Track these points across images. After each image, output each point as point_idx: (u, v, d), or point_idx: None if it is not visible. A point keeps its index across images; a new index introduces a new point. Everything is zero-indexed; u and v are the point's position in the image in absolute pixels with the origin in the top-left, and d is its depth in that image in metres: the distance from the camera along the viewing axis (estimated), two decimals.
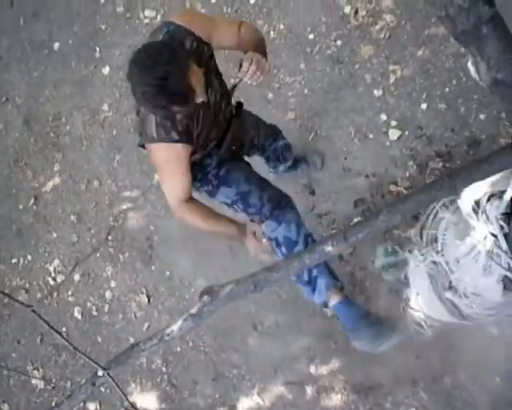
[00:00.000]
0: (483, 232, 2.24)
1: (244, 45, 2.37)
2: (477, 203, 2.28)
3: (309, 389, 3.48)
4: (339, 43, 3.69)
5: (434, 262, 2.56)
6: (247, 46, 2.34)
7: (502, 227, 2.17)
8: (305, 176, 3.60)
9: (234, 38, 2.41)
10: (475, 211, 2.27)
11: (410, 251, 2.77)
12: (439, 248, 2.53)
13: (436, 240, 2.55)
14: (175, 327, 1.72)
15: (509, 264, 2.22)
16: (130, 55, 2.01)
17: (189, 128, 2.30)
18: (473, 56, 1.53)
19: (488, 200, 2.28)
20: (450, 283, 2.54)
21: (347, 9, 3.70)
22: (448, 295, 2.55)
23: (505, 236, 2.18)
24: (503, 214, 2.17)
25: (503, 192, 2.23)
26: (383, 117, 3.52)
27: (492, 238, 2.21)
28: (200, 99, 2.08)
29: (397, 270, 3.07)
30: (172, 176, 2.37)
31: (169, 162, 2.33)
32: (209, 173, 2.65)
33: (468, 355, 3.19)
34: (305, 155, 3.57)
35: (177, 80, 1.95)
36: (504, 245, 2.17)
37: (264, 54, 2.39)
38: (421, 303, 2.80)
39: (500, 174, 2.20)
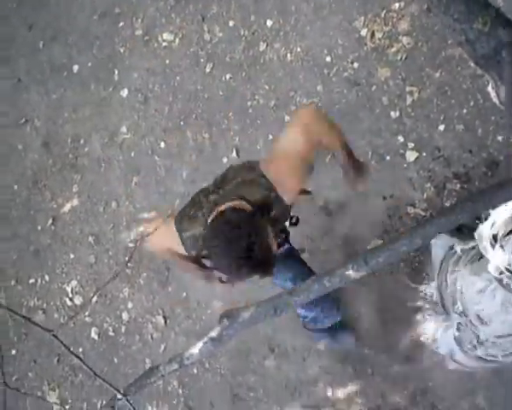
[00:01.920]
0: (498, 267, 2.23)
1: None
2: (494, 238, 2.26)
3: None
4: (356, 65, 3.71)
5: (460, 324, 2.57)
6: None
7: None
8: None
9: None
10: (492, 245, 2.26)
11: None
12: (461, 308, 2.53)
13: (455, 300, 2.56)
14: (195, 351, 1.71)
15: None
16: (209, 230, 2.00)
17: None
18: (492, 80, 1.53)
19: (506, 235, 2.27)
20: (478, 337, 2.53)
21: (364, 32, 3.71)
22: (479, 352, 2.55)
23: None
24: None
25: None
26: (400, 139, 3.51)
27: (508, 274, 2.19)
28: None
29: None
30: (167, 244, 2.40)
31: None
32: None
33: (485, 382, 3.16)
34: None
35: (262, 252, 1.93)
36: None
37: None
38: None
39: None
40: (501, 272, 2.19)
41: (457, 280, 2.57)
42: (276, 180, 2.16)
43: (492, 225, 2.28)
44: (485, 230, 2.29)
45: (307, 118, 2.30)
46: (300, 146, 2.19)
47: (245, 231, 1.90)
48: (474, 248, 2.48)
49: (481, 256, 2.39)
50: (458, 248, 2.60)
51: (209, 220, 2.06)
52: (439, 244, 2.78)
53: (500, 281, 2.21)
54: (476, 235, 2.35)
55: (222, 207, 2.04)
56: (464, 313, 2.51)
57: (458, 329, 2.59)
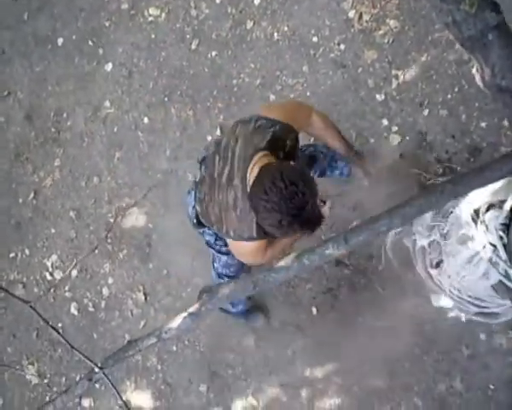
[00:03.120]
0: (482, 242, 2.25)
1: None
2: (476, 213, 2.29)
3: (303, 392, 3.48)
4: (342, 46, 3.70)
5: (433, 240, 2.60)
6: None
7: (501, 237, 2.18)
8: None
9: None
10: (474, 220, 2.28)
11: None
12: (444, 232, 2.55)
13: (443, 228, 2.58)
14: (173, 325, 1.72)
15: (506, 271, 2.23)
16: (264, 182, 2.01)
17: None
18: (478, 63, 1.53)
19: (487, 210, 2.29)
20: (438, 263, 2.58)
21: (351, 14, 3.70)
22: (433, 272, 2.60)
23: (504, 246, 2.19)
24: (502, 224, 2.18)
25: (502, 202, 2.24)
26: (385, 122, 3.52)
27: (491, 247, 2.22)
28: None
29: None
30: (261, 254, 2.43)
31: (259, 249, 2.38)
32: None
33: (464, 362, 3.21)
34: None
35: (313, 210, 1.99)
36: (504, 255, 2.18)
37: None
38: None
39: (499, 184, 2.22)
40: (484, 246, 2.22)
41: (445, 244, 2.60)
42: (277, 114, 2.32)
43: (472, 201, 2.31)
44: (466, 205, 2.31)
45: (302, 104, 2.70)
46: (293, 108, 2.49)
47: (299, 190, 1.96)
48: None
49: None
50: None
51: (249, 188, 2.12)
52: None
53: (484, 254, 2.24)
54: (457, 210, 2.37)
55: (254, 170, 2.13)
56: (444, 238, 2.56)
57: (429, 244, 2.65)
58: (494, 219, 2.19)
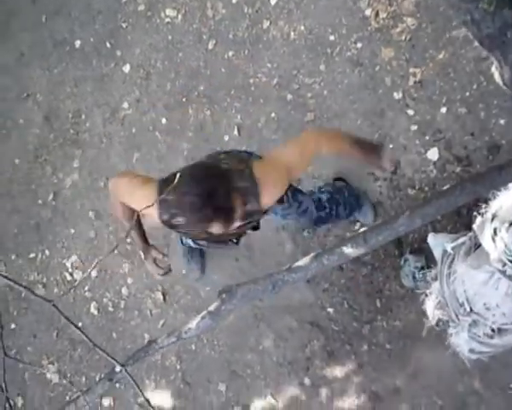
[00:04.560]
0: (500, 259, 2.22)
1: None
2: (495, 231, 2.26)
3: (323, 391, 3.48)
4: (359, 45, 3.69)
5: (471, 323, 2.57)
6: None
7: None
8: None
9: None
10: (493, 239, 2.25)
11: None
12: (468, 308, 2.53)
13: (460, 302, 2.55)
14: (193, 325, 1.73)
15: None
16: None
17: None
18: (496, 61, 1.52)
19: (509, 226, 2.26)
20: (491, 327, 2.54)
21: (368, 12, 3.69)
22: (497, 339, 2.56)
23: None
24: None
25: None
26: (403, 120, 3.51)
27: (511, 264, 2.19)
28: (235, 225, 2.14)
29: None
30: (135, 195, 2.44)
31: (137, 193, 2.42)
32: None
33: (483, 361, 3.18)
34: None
35: (224, 197, 2.04)
36: None
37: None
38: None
39: None
40: (504, 264, 2.19)
41: (456, 279, 2.57)
42: (261, 179, 2.25)
43: (493, 217, 2.28)
44: (486, 223, 2.29)
45: (308, 140, 2.45)
46: (292, 162, 2.33)
47: (212, 175, 2.09)
48: (464, 243, 2.48)
49: (476, 247, 2.39)
50: (449, 247, 2.59)
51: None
52: (433, 244, 2.79)
53: (503, 273, 2.21)
54: (476, 227, 2.34)
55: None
56: (472, 310, 2.51)
57: (469, 330, 2.59)
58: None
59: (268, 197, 2.25)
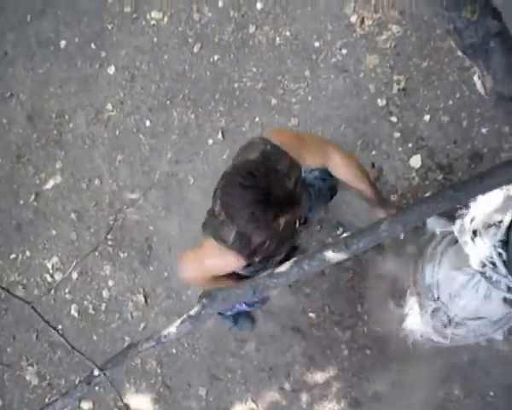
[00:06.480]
0: (481, 261, 2.24)
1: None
2: (474, 233, 2.29)
3: (303, 396, 3.48)
4: (344, 51, 3.71)
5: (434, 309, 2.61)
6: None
7: (500, 254, 2.17)
8: None
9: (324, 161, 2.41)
10: (473, 240, 2.28)
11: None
12: (436, 295, 2.57)
13: (431, 288, 2.60)
14: (173, 329, 1.72)
15: (508, 286, 2.23)
16: (223, 181, 1.99)
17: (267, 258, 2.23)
18: (479, 70, 1.53)
19: (486, 228, 2.28)
20: (449, 318, 2.57)
21: (353, 18, 3.71)
22: (449, 330, 2.59)
23: (503, 262, 2.18)
24: (500, 241, 2.18)
25: (499, 222, 2.23)
26: (386, 127, 3.53)
27: (491, 266, 2.21)
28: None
29: None
30: (206, 268, 2.26)
31: (215, 263, 2.23)
32: None
33: (464, 368, 3.20)
34: None
35: (280, 186, 1.91)
36: (504, 271, 2.17)
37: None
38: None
39: (497, 205, 2.21)
40: (484, 265, 2.21)
41: (436, 273, 2.60)
42: (282, 143, 2.14)
43: (472, 219, 2.30)
44: (465, 225, 2.31)
45: (329, 145, 2.42)
46: (307, 144, 2.30)
47: (260, 174, 1.90)
48: (451, 233, 2.51)
49: (456, 241, 2.42)
50: (438, 230, 2.64)
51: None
52: (430, 226, 2.84)
53: (483, 274, 2.23)
54: (455, 230, 2.37)
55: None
56: (439, 298, 2.55)
57: (431, 316, 2.63)
58: (492, 236, 2.19)
59: (296, 152, 2.16)
